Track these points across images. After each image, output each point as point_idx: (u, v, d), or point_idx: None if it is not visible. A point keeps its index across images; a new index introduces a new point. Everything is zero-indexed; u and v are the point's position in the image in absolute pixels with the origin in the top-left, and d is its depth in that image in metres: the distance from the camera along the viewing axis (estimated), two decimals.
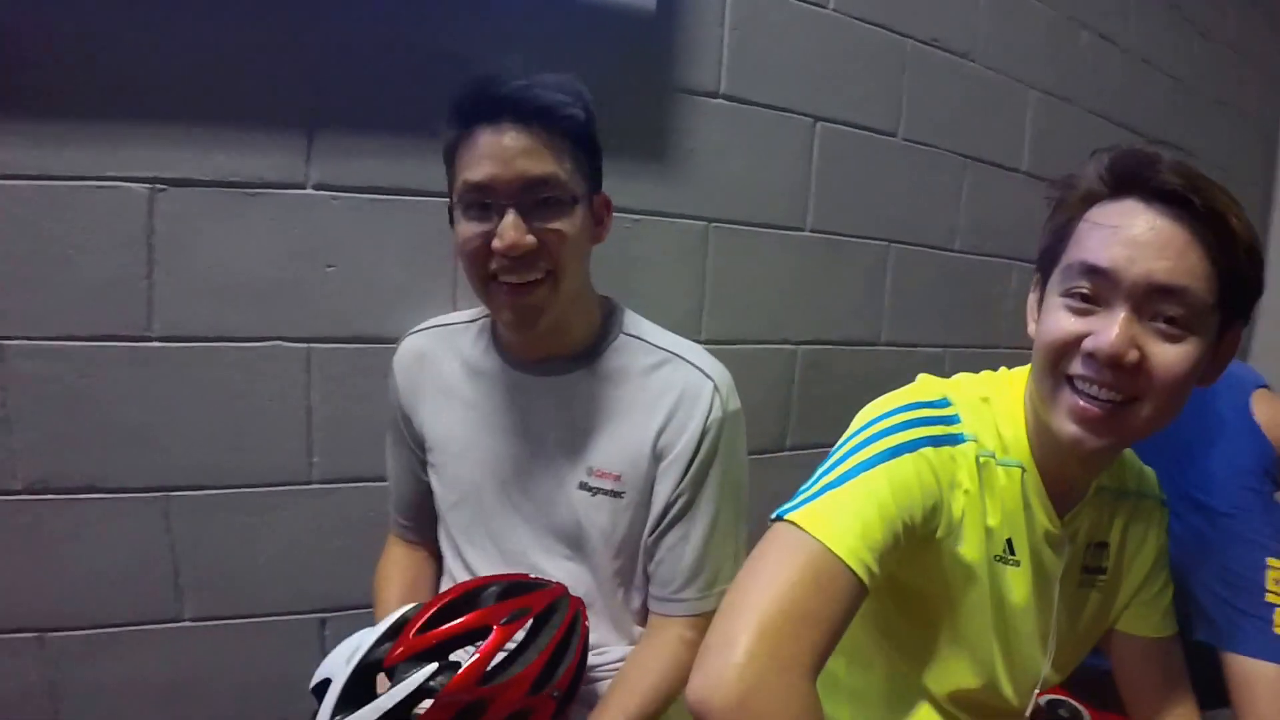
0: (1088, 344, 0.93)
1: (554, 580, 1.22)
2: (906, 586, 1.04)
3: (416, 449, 1.38)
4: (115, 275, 1.32)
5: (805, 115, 1.85)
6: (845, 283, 1.99)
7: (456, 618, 1.06)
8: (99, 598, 1.39)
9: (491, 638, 1.04)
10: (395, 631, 1.06)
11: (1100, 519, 1.15)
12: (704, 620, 1.26)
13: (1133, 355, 0.91)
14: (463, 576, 1.34)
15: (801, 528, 0.90)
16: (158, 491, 1.39)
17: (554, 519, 1.29)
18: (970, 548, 1.04)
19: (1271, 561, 1.25)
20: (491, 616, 1.07)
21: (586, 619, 1.21)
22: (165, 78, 1.31)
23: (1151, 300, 0.92)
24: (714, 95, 1.71)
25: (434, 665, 1.02)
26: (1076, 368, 0.96)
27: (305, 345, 1.40)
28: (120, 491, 1.37)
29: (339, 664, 1.04)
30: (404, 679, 1.00)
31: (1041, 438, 1.06)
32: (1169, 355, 0.93)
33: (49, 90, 1.27)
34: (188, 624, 1.44)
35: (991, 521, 1.05)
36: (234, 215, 1.36)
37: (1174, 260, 0.91)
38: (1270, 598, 1.22)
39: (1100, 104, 2.48)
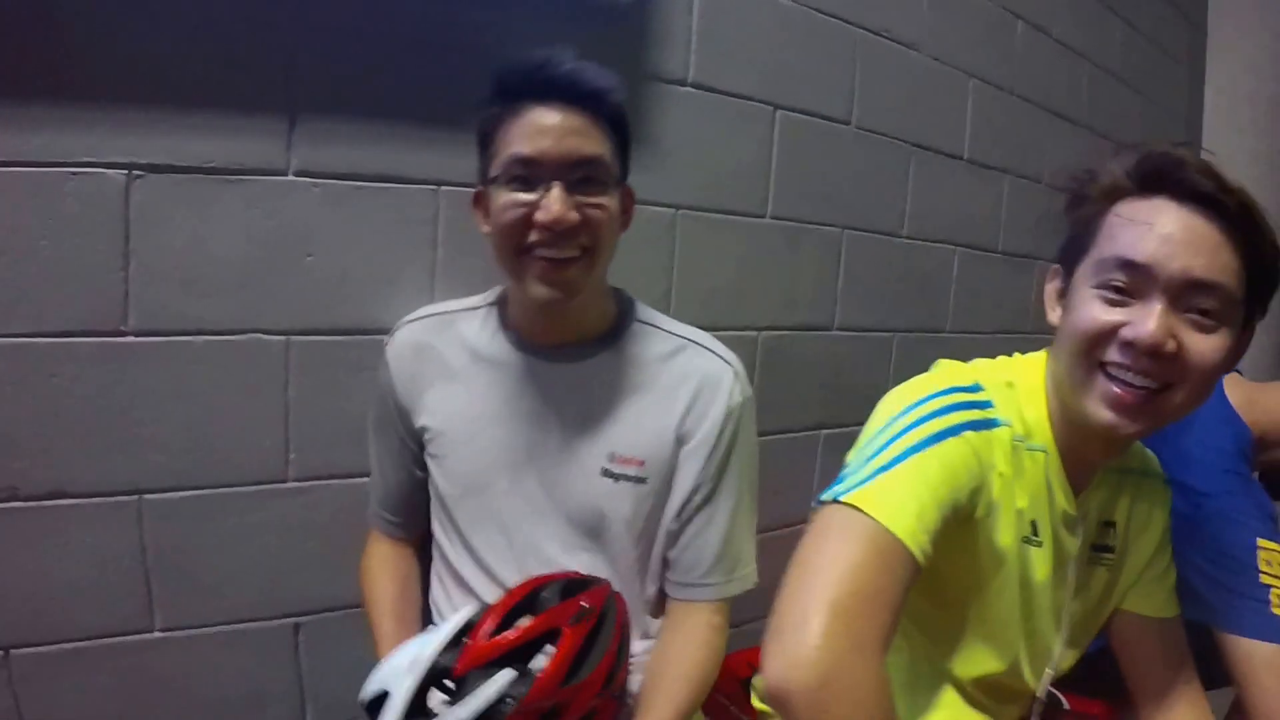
0: (1126, 333, 0.97)
1: (589, 575, 1.23)
2: (938, 570, 1.06)
3: (412, 442, 1.35)
4: (88, 266, 1.25)
5: (766, 104, 1.86)
6: (802, 269, 2.01)
7: (519, 621, 1.07)
8: (66, 610, 1.31)
9: (565, 641, 1.05)
10: (459, 639, 1.04)
11: (1109, 498, 1.19)
12: (727, 605, 1.29)
13: (1171, 345, 0.96)
14: (469, 569, 1.31)
15: (861, 509, 0.91)
16: (129, 495, 1.32)
17: (572, 508, 1.27)
18: (1003, 530, 1.07)
19: (1262, 542, 1.30)
20: (559, 618, 1.07)
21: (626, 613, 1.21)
22: (143, 60, 1.25)
23: (1187, 294, 0.97)
24: (683, 83, 1.72)
25: (511, 672, 1.01)
26: (1112, 355, 1.00)
27: (284, 337, 1.36)
28: (89, 496, 1.30)
29: (397, 675, 1.02)
30: (478, 687, 0.99)
31: (1063, 422, 1.10)
32: (1203, 345, 0.98)
33: (18, 72, 1.19)
34: (158, 635, 1.37)
35: (1020, 504, 1.08)
36: (212, 202, 1.31)
37: (1208, 257, 0.96)
38: (1265, 579, 1.28)
39: (1033, 92, 2.55)
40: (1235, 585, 1.29)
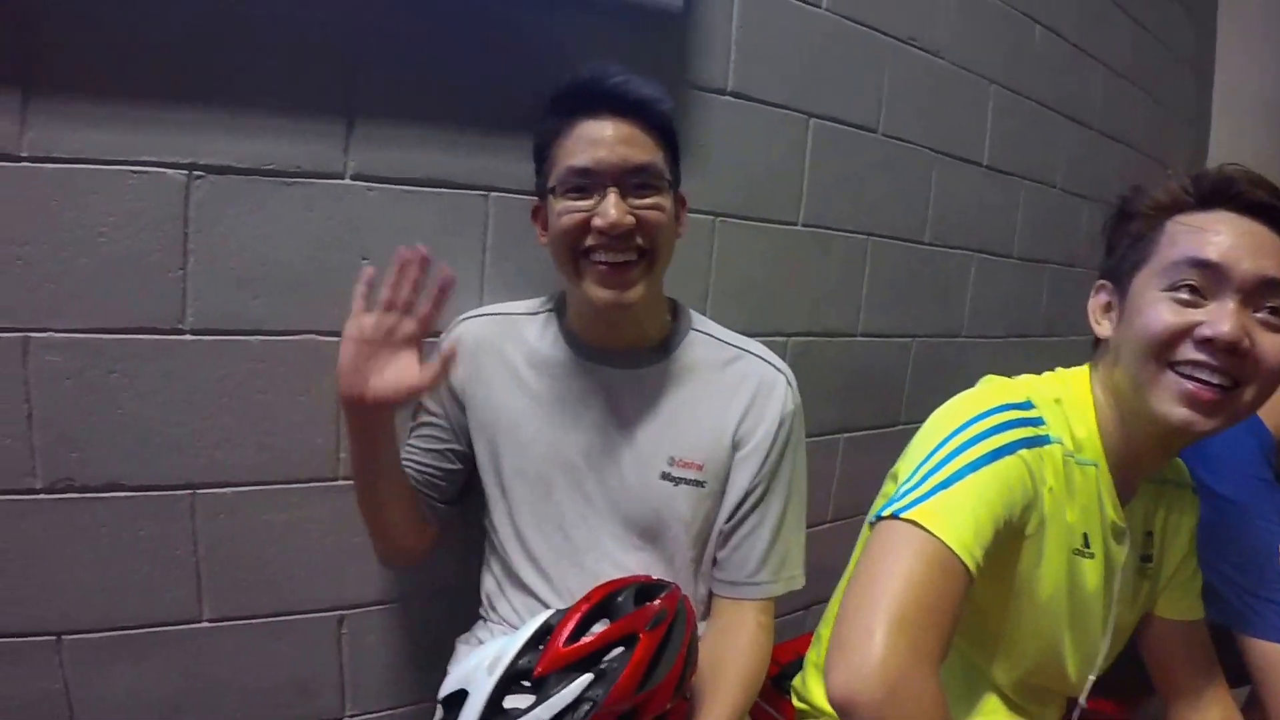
0: (1204, 331, 1.01)
1: (660, 578, 1.25)
2: (986, 581, 1.09)
3: (456, 434, 1.38)
4: (148, 264, 1.27)
5: (800, 112, 1.88)
6: (829, 275, 2.04)
7: (595, 625, 1.10)
8: (117, 598, 1.34)
9: (642, 645, 1.07)
10: (538, 641, 1.07)
11: (1149, 509, 1.23)
12: (773, 605, 1.34)
13: (1246, 342, 0.99)
14: (525, 567, 1.35)
15: (922, 525, 0.95)
16: (183, 489, 1.35)
17: (630, 509, 1.31)
18: (1054, 543, 1.11)
19: None
20: (636, 623, 1.10)
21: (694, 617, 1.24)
22: (206, 63, 1.27)
23: (1259, 293, 1.01)
24: (722, 92, 1.74)
25: (590, 675, 1.04)
26: (1185, 354, 1.03)
27: (338, 339, 1.37)
28: (145, 489, 1.32)
29: (477, 674, 1.06)
30: (557, 689, 1.02)
31: (1115, 434, 1.13)
32: (1274, 343, 1.01)
33: (83, 71, 1.21)
34: (206, 624, 1.40)
35: (1071, 517, 1.11)
36: (270, 204, 1.33)
37: (1275, 259, 1.00)
38: None
39: (1048, 96, 2.57)
40: (1258, 589, 1.32)
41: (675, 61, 1.66)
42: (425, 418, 1.39)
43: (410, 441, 1.40)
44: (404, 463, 1.36)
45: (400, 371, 1.19)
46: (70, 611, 1.32)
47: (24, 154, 1.20)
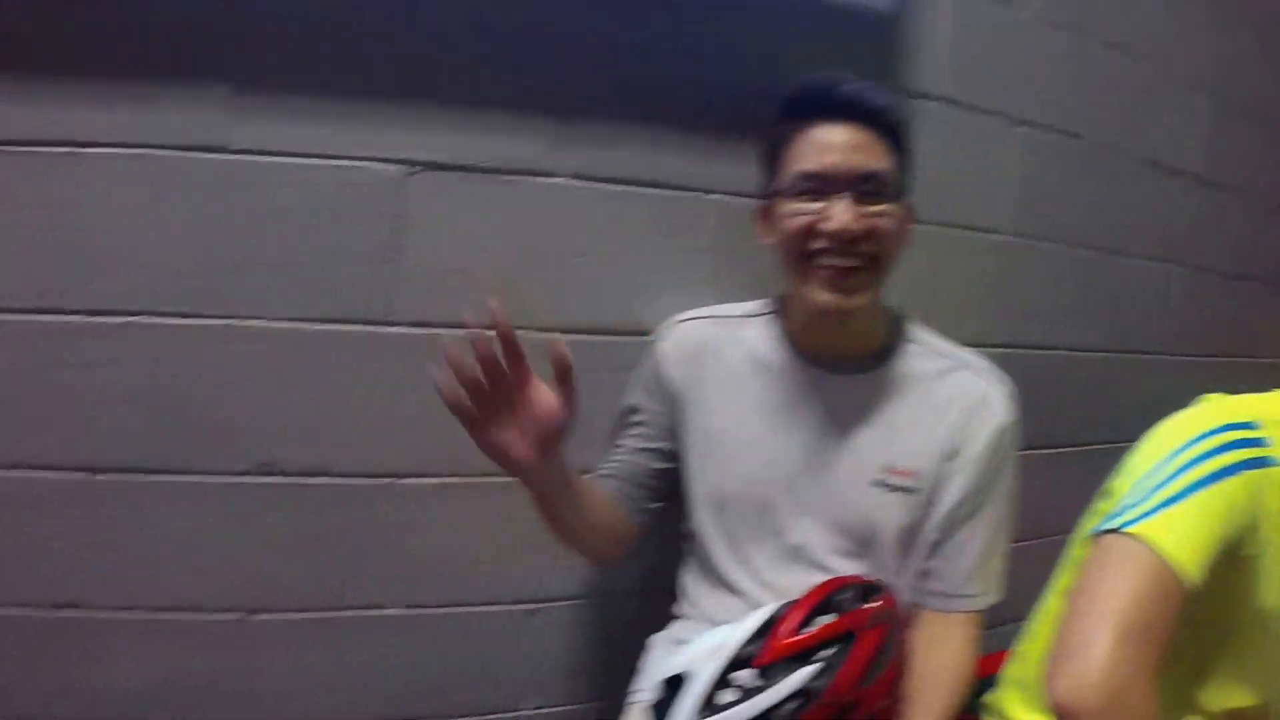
0: None
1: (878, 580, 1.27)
2: (1208, 601, 1.04)
3: (667, 435, 1.37)
4: (358, 257, 1.31)
5: (1009, 118, 1.82)
6: (1031, 287, 1.96)
7: (818, 619, 1.13)
8: (309, 582, 1.38)
9: (865, 642, 1.12)
10: (763, 632, 1.11)
11: None
12: (980, 618, 1.32)
13: None
14: (734, 568, 1.34)
15: (1146, 540, 0.95)
16: (385, 477, 1.38)
17: (843, 516, 1.30)
18: (1273, 568, 1.07)
19: None
20: (857, 620, 1.13)
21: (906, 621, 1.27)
22: (423, 61, 1.30)
23: None
24: (935, 98, 1.70)
25: (815, 666, 1.08)
26: None
27: (548, 335, 1.37)
28: (348, 476, 1.36)
29: (700, 660, 1.11)
30: (781, 678, 1.06)
31: None
32: None
33: (296, 68, 1.26)
34: (393, 611, 1.43)
35: None
36: (484, 201, 1.35)
37: None
38: None
39: (1258, 104, 2.41)
40: None
41: (884, 65, 1.62)
42: (637, 416, 1.39)
43: (620, 441, 1.40)
44: (613, 461, 1.38)
45: (537, 415, 1.11)
46: (261, 592, 1.37)
47: (233, 147, 1.25)
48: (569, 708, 1.56)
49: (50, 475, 1.27)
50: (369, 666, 1.43)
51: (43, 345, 1.26)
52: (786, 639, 1.09)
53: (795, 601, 1.16)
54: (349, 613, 1.41)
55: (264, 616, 1.37)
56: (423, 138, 1.31)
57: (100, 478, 1.28)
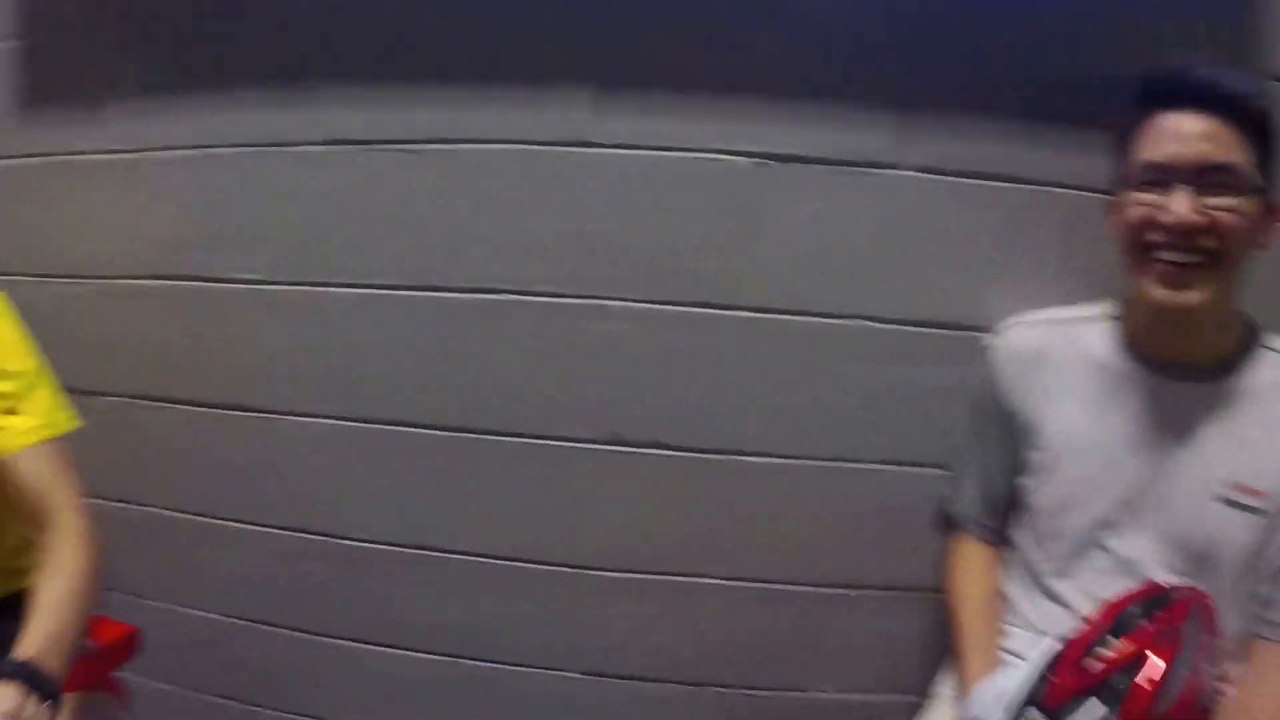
0: None
1: (1173, 584, 1.20)
2: None
3: (1015, 448, 1.35)
4: (711, 245, 1.39)
5: None
6: None
7: (1106, 643, 1.09)
8: (632, 542, 1.50)
9: (1154, 667, 1.05)
10: (1049, 670, 1.09)
11: None
12: None
13: None
14: (1061, 580, 1.30)
15: None
16: (727, 454, 1.45)
17: (1180, 531, 1.23)
18: None
19: None
20: (1144, 641, 1.07)
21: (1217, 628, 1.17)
22: (773, 53, 1.36)
23: None
24: None
25: (1101, 707, 1.04)
26: None
27: (889, 326, 1.41)
28: (687, 450, 1.45)
29: (987, 705, 1.12)
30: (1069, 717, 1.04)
31: None
32: None
33: (662, 68, 1.36)
34: (715, 582, 1.51)
35: None
36: (829, 191, 1.38)
37: None
38: None
39: None
40: None
41: (1244, 47, 1.46)
42: (987, 434, 1.38)
43: (976, 464, 1.40)
44: (983, 496, 1.40)
45: None
46: (592, 551, 1.50)
47: (597, 141, 1.37)
48: (866, 696, 1.57)
49: (439, 434, 1.49)
50: (684, 630, 1.52)
51: (427, 318, 1.44)
52: (1070, 679, 1.06)
53: (1078, 634, 1.12)
54: (668, 577, 1.50)
55: (594, 572, 1.49)
56: (771, 131, 1.36)
57: (461, 435, 1.49)
